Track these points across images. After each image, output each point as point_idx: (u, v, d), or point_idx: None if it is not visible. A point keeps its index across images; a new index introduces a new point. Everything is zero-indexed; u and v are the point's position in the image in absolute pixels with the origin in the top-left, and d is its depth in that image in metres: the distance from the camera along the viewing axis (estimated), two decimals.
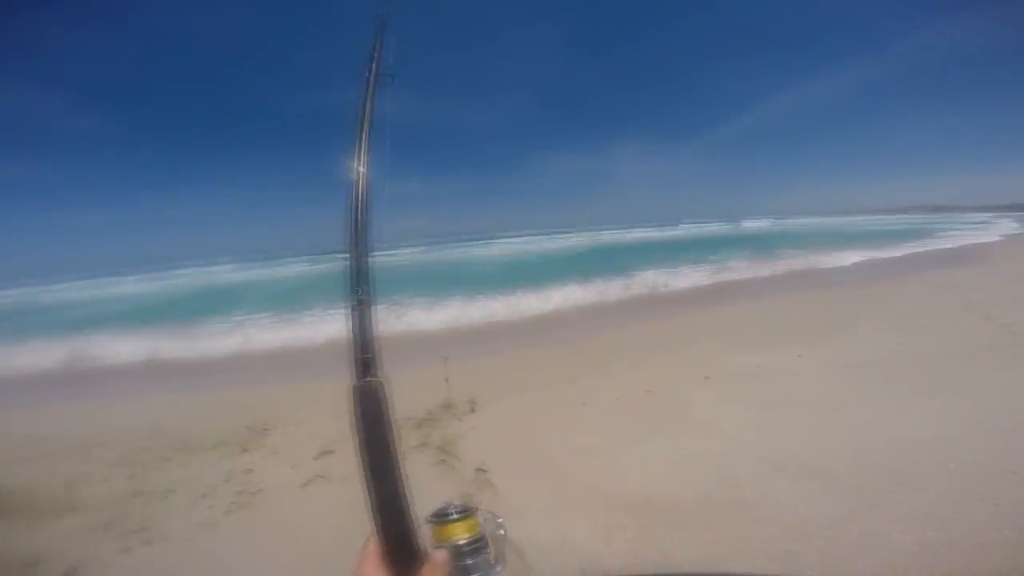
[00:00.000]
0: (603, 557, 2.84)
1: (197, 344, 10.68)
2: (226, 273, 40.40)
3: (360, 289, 0.74)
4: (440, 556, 0.68)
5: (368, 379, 0.70)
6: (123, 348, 10.82)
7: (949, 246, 21.09)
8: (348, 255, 0.76)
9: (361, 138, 0.84)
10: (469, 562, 0.72)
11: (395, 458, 0.69)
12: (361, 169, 0.80)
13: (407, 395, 5.78)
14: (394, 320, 11.69)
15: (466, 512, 0.75)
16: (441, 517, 0.74)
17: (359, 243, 0.76)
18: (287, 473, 4.26)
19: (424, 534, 0.72)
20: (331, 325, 11.00)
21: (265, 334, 11.32)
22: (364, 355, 0.71)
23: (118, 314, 17.61)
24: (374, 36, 1.01)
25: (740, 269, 16.68)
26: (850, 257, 17.99)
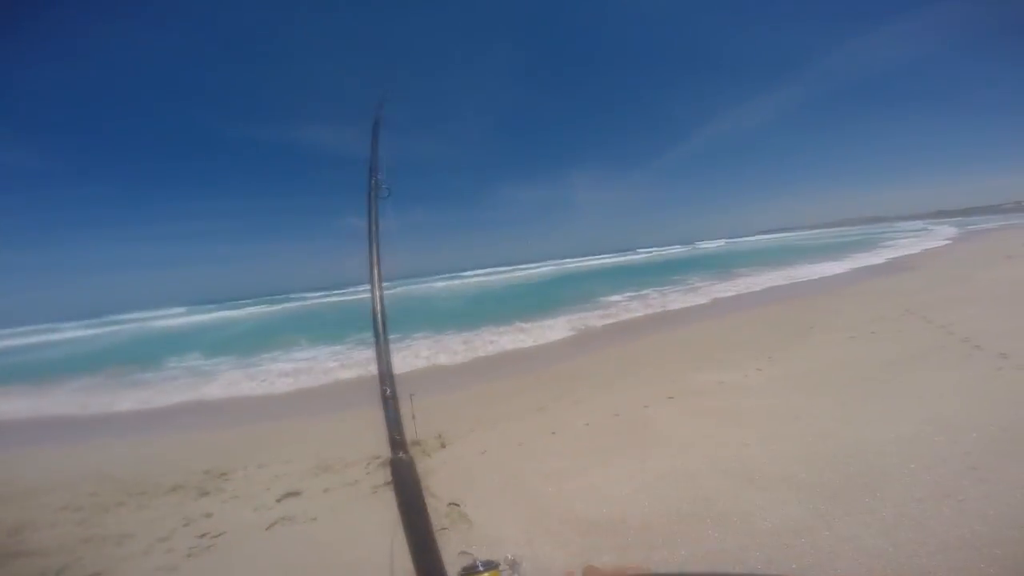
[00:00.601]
0: None
1: (143, 392, 10.24)
2: (176, 318, 39.01)
3: (388, 386, 0.94)
4: None
5: (400, 455, 0.89)
6: (61, 397, 10.31)
7: (901, 254, 21.88)
8: (376, 358, 0.94)
9: (372, 251, 1.00)
10: None
11: (427, 517, 0.86)
12: (377, 285, 0.98)
13: (374, 435, 5.63)
14: (359, 360, 11.47)
15: (490, 564, 0.89)
16: (470, 571, 0.88)
17: (383, 347, 0.94)
18: (249, 516, 4.09)
19: None
20: (286, 373, 10.73)
21: (219, 379, 10.92)
22: (395, 436, 0.91)
23: (57, 363, 16.76)
24: (372, 146, 1.16)
25: (700, 290, 17.14)
26: (806, 271, 18.72)
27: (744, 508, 3.21)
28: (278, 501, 4.29)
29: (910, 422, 4.06)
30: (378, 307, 0.97)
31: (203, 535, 3.85)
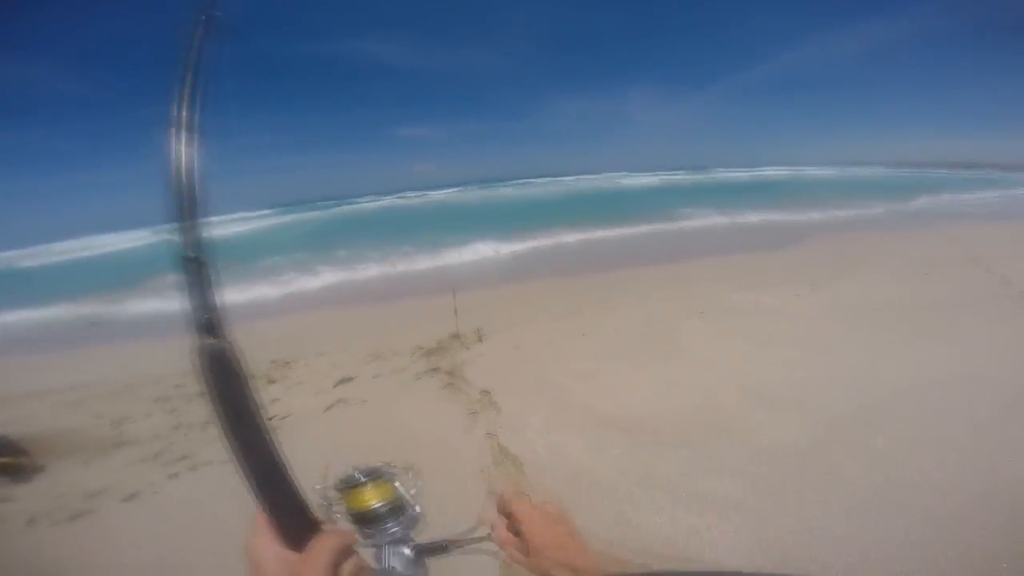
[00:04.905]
0: (593, 470, 3.17)
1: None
2: (267, 219, 39.12)
3: (192, 247, 0.65)
4: (338, 526, 0.66)
5: (213, 340, 0.64)
6: (138, 296, 11.14)
7: None
8: (174, 211, 0.65)
9: (184, 87, 0.68)
10: (388, 525, 0.68)
11: (262, 422, 0.64)
12: (184, 114, 0.67)
13: (418, 326, 6.15)
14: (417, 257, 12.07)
15: (374, 474, 0.71)
16: (348, 483, 0.71)
17: (188, 199, 0.65)
18: (310, 400, 4.64)
19: (333, 504, 0.71)
20: (341, 267, 11.29)
21: (272, 275, 11.59)
22: (205, 316, 0.64)
23: (131, 266, 17.47)
24: None
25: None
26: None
27: (747, 424, 3.50)
28: (335, 386, 4.85)
29: (936, 368, 4.10)
30: (183, 123, 0.66)
31: (272, 418, 4.34)
